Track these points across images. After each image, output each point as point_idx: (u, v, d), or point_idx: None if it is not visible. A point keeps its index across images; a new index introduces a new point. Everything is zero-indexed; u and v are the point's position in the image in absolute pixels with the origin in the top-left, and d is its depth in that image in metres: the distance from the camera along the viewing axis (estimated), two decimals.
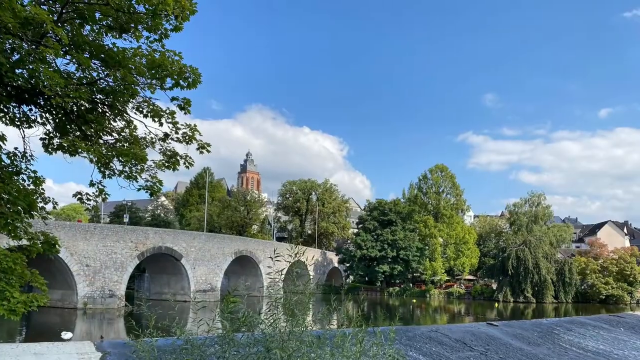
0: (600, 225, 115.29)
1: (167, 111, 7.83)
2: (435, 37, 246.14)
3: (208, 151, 8.27)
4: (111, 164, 7.70)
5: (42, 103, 7.16)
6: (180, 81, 7.40)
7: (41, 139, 7.66)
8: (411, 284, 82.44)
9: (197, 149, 8.22)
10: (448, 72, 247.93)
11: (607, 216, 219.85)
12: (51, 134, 7.61)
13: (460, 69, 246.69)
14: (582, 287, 73.44)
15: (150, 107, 7.67)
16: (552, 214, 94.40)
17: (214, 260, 61.30)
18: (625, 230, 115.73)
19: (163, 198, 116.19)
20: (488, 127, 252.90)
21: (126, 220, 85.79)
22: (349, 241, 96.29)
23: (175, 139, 8.01)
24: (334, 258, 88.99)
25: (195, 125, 8.09)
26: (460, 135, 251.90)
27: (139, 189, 8.12)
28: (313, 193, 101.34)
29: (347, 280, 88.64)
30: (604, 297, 70.55)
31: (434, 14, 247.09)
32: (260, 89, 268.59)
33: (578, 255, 79.74)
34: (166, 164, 8.15)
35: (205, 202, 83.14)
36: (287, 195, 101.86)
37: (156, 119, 7.74)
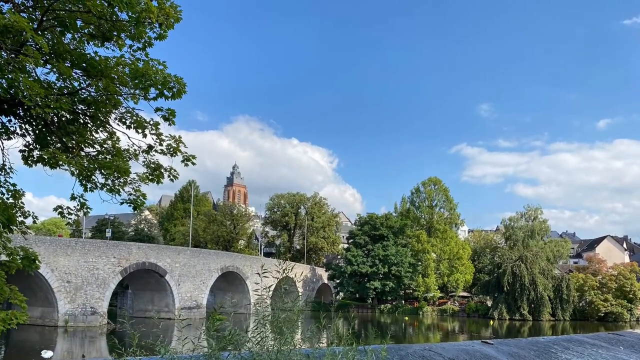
0: (599, 240, 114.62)
1: (151, 122, 7.74)
2: (428, 45, 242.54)
3: (193, 163, 8.18)
4: (93, 177, 7.56)
5: (21, 114, 7.03)
6: (165, 91, 7.28)
7: (21, 151, 7.54)
8: (403, 301, 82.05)
9: (182, 161, 8.13)
10: (442, 82, 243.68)
11: (606, 231, 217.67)
12: (31, 146, 7.49)
13: (454, 78, 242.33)
14: (580, 304, 72.80)
15: (134, 118, 7.57)
16: (549, 229, 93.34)
17: (199, 277, 60.64)
18: (624, 246, 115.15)
19: (147, 212, 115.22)
20: (483, 139, 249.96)
21: (108, 235, 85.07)
22: (339, 257, 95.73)
23: (160, 151, 7.91)
24: (324, 274, 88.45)
25: (180, 137, 8.02)
26: (454, 147, 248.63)
27: (121, 203, 8.00)
28: (302, 207, 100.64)
29: (337, 297, 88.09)
30: (602, 314, 69.98)
31: (427, 21, 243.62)
32: (247, 100, 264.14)
33: (576, 271, 78.80)
34: (150, 177, 8.03)
35: (191, 216, 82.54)
36: (275, 209, 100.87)
37: (140, 131, 7.64)
